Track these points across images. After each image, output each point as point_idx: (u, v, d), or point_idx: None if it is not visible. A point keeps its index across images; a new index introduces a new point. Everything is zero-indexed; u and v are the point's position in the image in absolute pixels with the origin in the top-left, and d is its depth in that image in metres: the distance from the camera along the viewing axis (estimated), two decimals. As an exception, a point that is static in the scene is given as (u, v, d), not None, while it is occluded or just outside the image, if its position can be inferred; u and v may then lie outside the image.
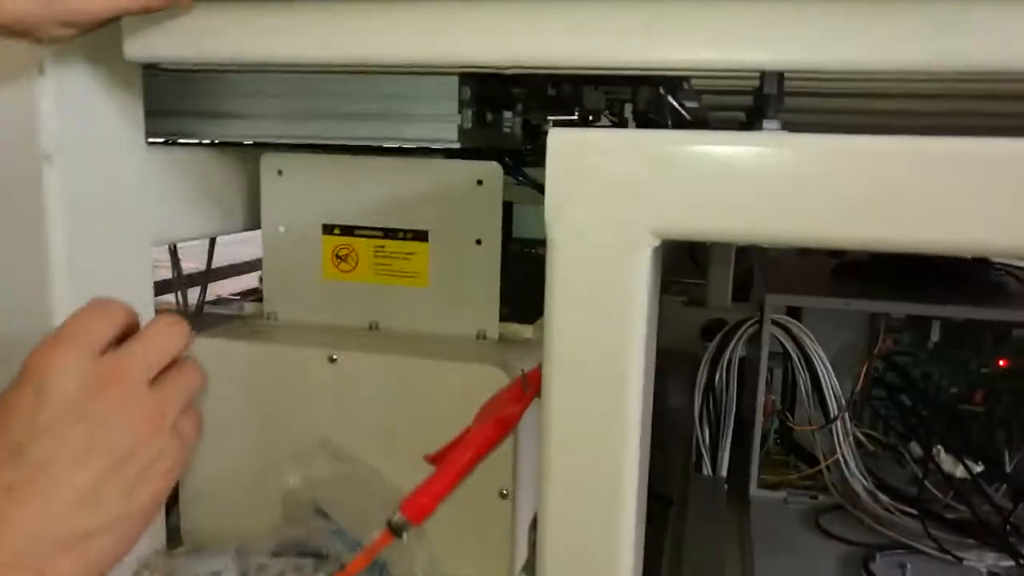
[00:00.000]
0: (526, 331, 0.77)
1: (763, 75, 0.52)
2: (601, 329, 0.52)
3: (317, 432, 0.72)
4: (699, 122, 1.02)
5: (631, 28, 0.52)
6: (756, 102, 0.61)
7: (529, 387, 0.60)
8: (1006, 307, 1.06)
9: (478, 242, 0.75)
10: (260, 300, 0.83)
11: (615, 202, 0.50)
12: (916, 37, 0.50)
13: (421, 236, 0.76)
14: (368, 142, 0.70)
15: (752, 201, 0.49)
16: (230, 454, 0.74)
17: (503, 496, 0.69)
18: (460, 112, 0.69)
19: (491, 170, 0.74)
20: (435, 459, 0.66)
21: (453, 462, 0.59)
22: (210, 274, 1.09)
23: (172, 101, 0.74)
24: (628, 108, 0.93)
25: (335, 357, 0.72)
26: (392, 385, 0.71)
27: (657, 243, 0.51)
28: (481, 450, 0.59)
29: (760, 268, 1.26)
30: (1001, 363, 1.09)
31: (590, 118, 0.92)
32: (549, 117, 0.90)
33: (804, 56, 0.51)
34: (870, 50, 0.50)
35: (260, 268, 0.82)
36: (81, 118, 0.64)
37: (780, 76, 0.52)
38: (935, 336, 1.11)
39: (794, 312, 1.10)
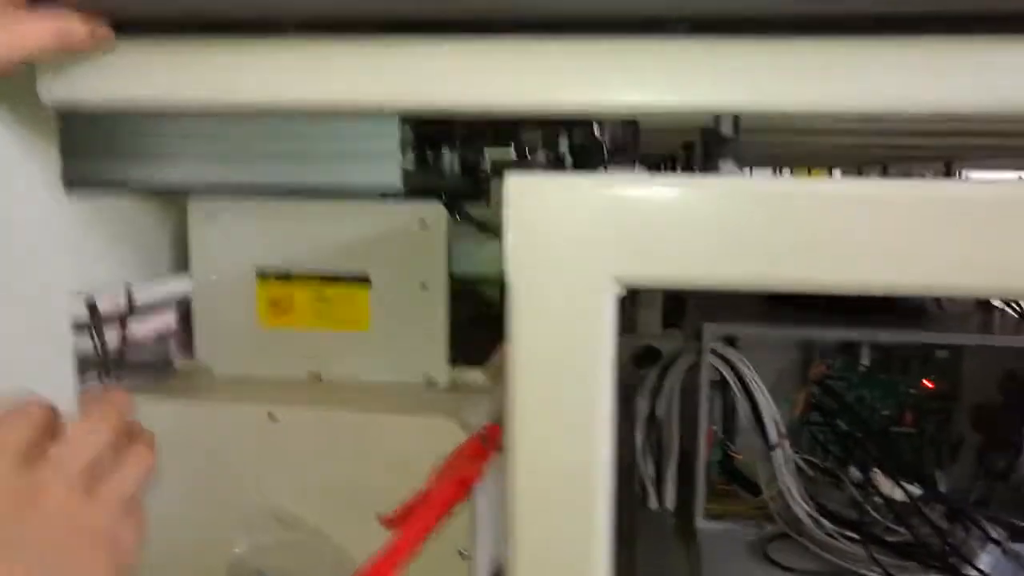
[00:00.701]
0: (475, 375, 0.75)
1: (718, 117, 0.51)
2: (566, 379, 0.50)
3: (261, 496, 0.68)
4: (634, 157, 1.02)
5: (589, 70, 0.51)
6: (706, 140, 0.60)
7: (488, 443, 0.58)
8: (928, 329, 1.09)
9: (423, 286, 0.72)
10: (186, 350, 0.79)
11: (576, 249, 0.49)
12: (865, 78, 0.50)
13: (362, 280, 0.73)
14: (305, 188, 0.67)
15: (721, 246, 0.48)
16: (168, 524, 0.69)
17: (462, 556, 0.66)
18: (402, 154, 0.66)
19: (434, 211, 0.71)
20: (391, 522, 0.63)
21: (412, 527, 0.56)
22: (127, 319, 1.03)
23: (91, 143, 0.70)
24: (563, 143, 0.92)
25: (276, 415, 0.68)
26: (339, 442, 0.67)
27: (620, 290, 0.50)
28: (441, 512, 0.56)
29: (694, 296, 1.27)
30: (927, 384, 1.11)
31: (527, 154, 0.91)
32: (486, 150, 0.88)
33: (762, 97, 0.50)
34: (824, 92, 0.50)
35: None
36: (-7, 168, 0.59)
37: (736, 117, 0.51)
38: (865, 360, 1.13)
39: (728, 340, 1.11)
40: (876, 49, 0.49)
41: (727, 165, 0.51)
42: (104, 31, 0.53)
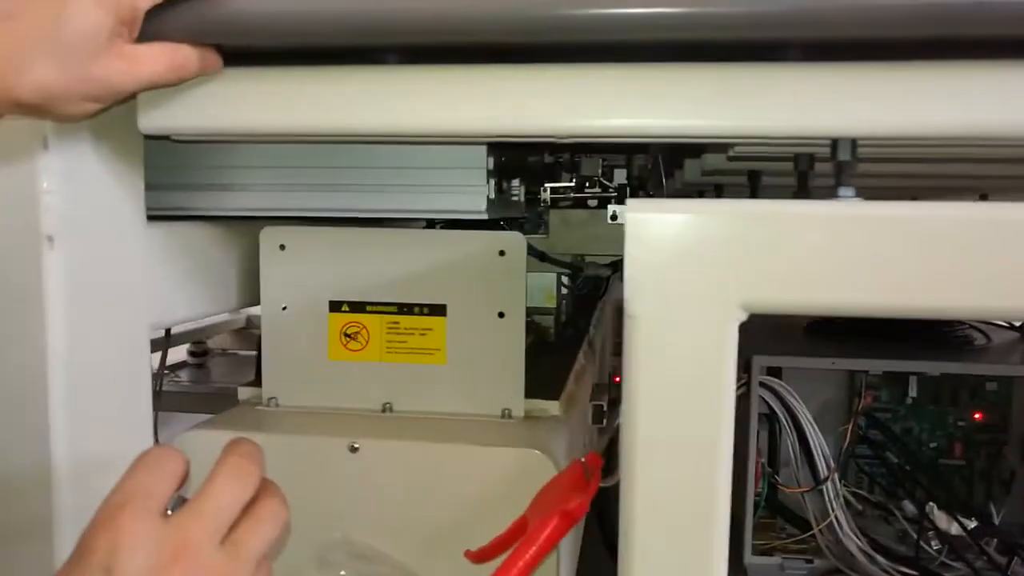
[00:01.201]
0: (552, 407, 0.74)
1: (836, 142, 0.51)
2: (688, 408, 0.49)
3: (339, 529, 0.67)
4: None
5: (702, 96, 0.51)
6: (799, 169, 0.60)
7: (591, 474, 0.57)
8: (978, 361, 1.08)
9: (500, 315, 0.71)
10: (254, 384, 0.77)
11: (701, 276, 0.48)
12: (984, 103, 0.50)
13: (439, 310, 0.72)
14: (393, 215, 0.67)
15: (848, 271, 0.47)
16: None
17: (547, 591, 0.65)
18: (487, 182, 0.66)
19: (514, 240, 0.71)
20: (478, 556, 0.62)
21: (515, 562, 0.54)
22: (167, 347, 1.02)
23: (170, 173, 0.69)
24: (622, 174, 0.92)
25: (357, 446, 0.67)
26: (423, 474, 0.66)
27: (745, 317, 0.49)
28: (546, 547, 0.55)
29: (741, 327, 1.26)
30: (976, 416, 1.11)
31: (586, 184, 0.91)
32: (546, 184, 0.88)
33: (880, 123, 0.50)
34: (945, 116, 0.50)
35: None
36: (84, 196, 0.58)
37: (853, 143, 0.51)
38: (913, 391, 1.12)
39: (773, 372, 1.10)
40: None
41: (846, 192, 0.50)
42: (214, 59, 0.53)
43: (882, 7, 0.45)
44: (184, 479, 0.44)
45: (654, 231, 0.49)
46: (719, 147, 0.62)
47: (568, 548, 0.68)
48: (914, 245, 0.46)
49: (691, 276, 0.48)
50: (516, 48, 0.52)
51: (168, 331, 0.86)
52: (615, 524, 0.53)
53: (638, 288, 0.49)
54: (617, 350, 1.43)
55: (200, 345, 1.98)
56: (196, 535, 0.41)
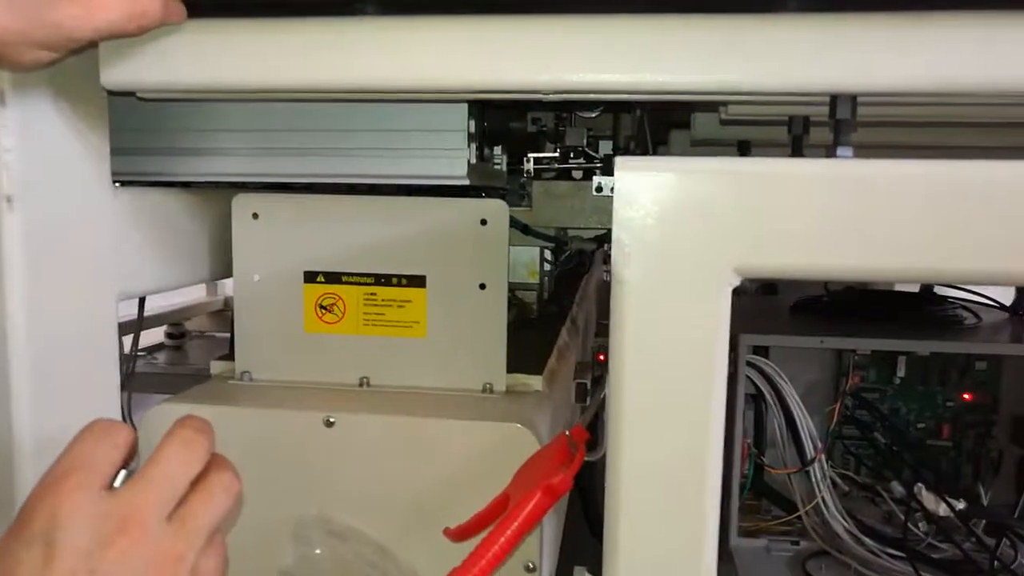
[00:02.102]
0: (535, 382, 0.72)
1: (835, 99, 0.49)
2: (679, 375, 0.47)
3: (314, 506, 0.64)
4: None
5: (696, 50, 0.48)
6: (793, 133, 0.58)
7: (576, 448, 0.55)
8: (967, 340, 1.07)
9: (482, 286, 0.69)
10: (226, 358, 0.75)
11: (695, 238, 0.46)
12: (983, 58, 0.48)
13: (418, 281, 0.69)
14: (369, 180, 0.64)
15: (843, 233, 0.45)
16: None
17: (529, 570, 0.63)
18: (468, 146, 0.63)
19: (496, 208, 0.68)
20: (457, 534, 0.59)
21: (498, 536, 0.52)
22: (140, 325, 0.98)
23: (137, 137, 0.66)
24: (608, 145, 0.90)
25: (332, 420, 0.64)
26: (401, 450, 0.63)
27: (739, 281, 0.47)
28: (528, 523, 0.52)
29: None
30: (966, 397, 1.09)
31: (570, 155, 0.89)
32: (529, 155, 0.85)
33: (882, 77, 0.48)
34: (942, 72, 0.48)
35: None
36: (46, 156, 0.55)
37: (853, 99, 0.49)
38: (901, 371, 1.11)
39: (759, 352, 1.08)
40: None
41: (844, 152, 0.48)
42: (177, 8, 0.50)
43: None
44: (132, 452, 0.42)
45: (644, 190, 0.46)
46: (711, 106, 0.59)
47: (551, 525, 0.66)
48: (917, 205, 0.44)
49: (683, 238, 0.46)
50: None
51: (141, 309, 0.83)
52: (599, 502, 0.51)
53: (627, 251, 0.47)
54: (601, 329, 1.41)
55: (178, 327, 1.95)
56: (142, 508, 0.39)
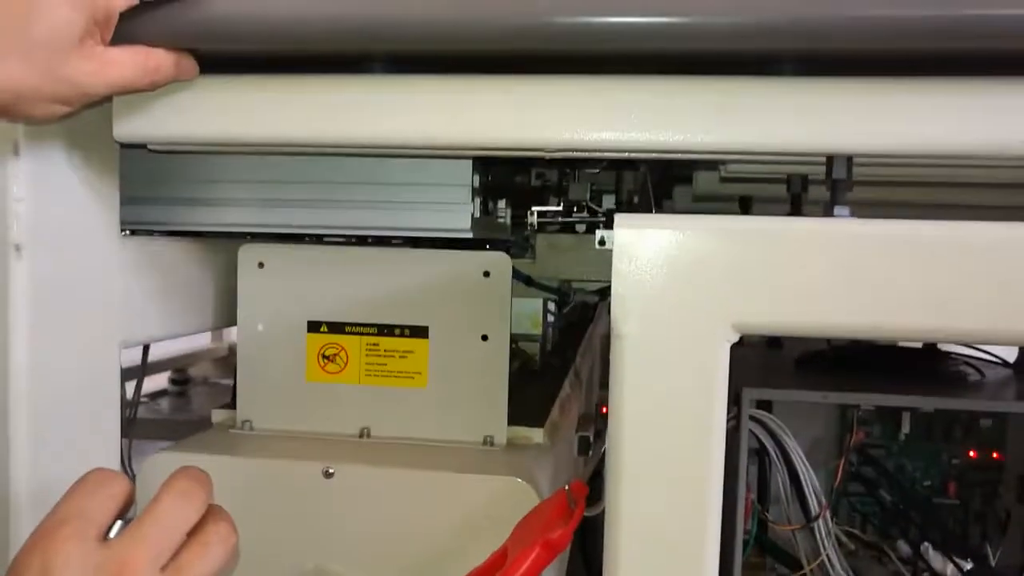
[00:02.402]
0: (536, 435, 0.71)
1: (831, 159, 0.50)
2: (678, 432, 0.47)
3: (312, 558, 0.64)
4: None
5: (696, 110, 0.49)
6: (791, 191, 0.59)
7: (576, 503, 0.54)
8: (972, 397, 1.06)
9: (484, 338, 0.69)
10: (228, 407, 0.75)
11: (693, 295, 0.46)
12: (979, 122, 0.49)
13: (420, 332, 0.70)
14: (374, 232, 0.65)
15: (841, 291, 0.45)
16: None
17: (527, 624, 0.62)
18: (472, 200, 0.64)
19: (499, 261, 0.69)
20: (457, 586, 0.59)
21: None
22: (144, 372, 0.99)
23: (147, 187, 0.67)
24: (611, 199, 0.91)
25: (331, 471, 0.64)
26: (399, 502, 0.63)
27: (737, 338, 0.47)
28: (529, 578, 0.52)
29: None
30: (971, 454, 1.09)
31: (574, 209, 0.90)
32: (533, 208, 0.86)
33: (876, 140, 0.49)
34: (941, 134, 0.49)
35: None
36: (56, 205, 0.56)
37: (849, 160, 0.50)
38: (906, 428, 1.10)
39: (763, 406, 1.08)
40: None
41: (841, 211, 0.49)
42: (189, 64, 0.51)
43: (877, 19, 0.44)
44: (128, 502, 0.42)
45: (643, 247, 0.47)
46: (711, 165, 0.60)
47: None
48: (914, 264, 0.45)
49: (681, 294, 0.46)
50: (504, 59, 0.50)
51: (145, 356, 0.84)
52: (600, 558, 0.51)
53: (626, 306, 0.47)
54: (605, 381, 1.41)
55: (181, 373, 1.95)
56: (136, 559, 0.39)
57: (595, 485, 0.64)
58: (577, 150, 0.52)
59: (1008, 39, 0.43)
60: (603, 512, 0.50)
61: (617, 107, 0.51)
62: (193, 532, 0.42)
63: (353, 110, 0.53)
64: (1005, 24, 0.43)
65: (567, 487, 0.56)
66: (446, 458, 0.66)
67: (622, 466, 0.48)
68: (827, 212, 0.49)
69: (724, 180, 0.62)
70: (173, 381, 1.94)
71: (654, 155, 0.51)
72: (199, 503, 0.42)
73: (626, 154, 0.52)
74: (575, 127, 0.51)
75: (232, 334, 2.38)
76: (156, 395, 1.86)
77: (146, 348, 0.84)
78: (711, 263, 0.46)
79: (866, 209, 0.51)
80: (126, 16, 0.48)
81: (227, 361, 2.08)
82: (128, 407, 0.75)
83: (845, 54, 0.47)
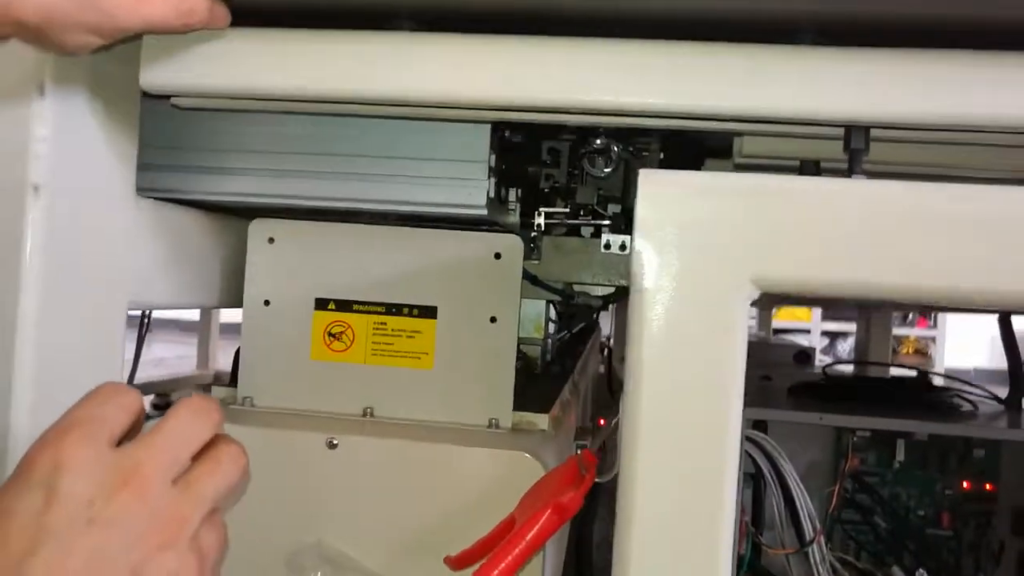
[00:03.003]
0: (541, 421, 0.71)
1: (849, 129, 0.51)
2: (697, 388, 0.47)
3: (313, 531, 0.62)
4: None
5: (734, 77, 0.50)
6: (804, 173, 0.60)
7: (587, 469, 0.54)
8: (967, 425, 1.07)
9: (493, 320, 0.69)
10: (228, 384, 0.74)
11: (715, 249, 0.47)
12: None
13: (429, 312, 0.70)
14: (388, 206, 0.65)
15: (859, 249, 0.46)
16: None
17: (529, 604, 0.61)
18: (488, 178, 0.65)
19: (511, 243, 0.69)
20: (458, 561, 0.58)
21: (503, 555, 0.50)
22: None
23: (160, 153, 0.67)
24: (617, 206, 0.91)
25: (336, 442, 0.63)
26: (405, 476, 0.62)
27: (757, 294, 0.47)
28: (537, 542, 0.51)
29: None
30: (965, 485, 1.08)
31: (580, 212, 0.90)
32: (541, 209, 0.87)
33: (894, 110, 0.50)
34: (954, 103, 0.50)
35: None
36: (76, 151, 0.56)
37: (867, 130, 0.51)
38: (900, 455, 1.10)
39: (758, 427, 1.07)
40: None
41: (859, 179, 0.50)
42: (222, 11, 0.52)
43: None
44: (140, 417, 0.41)
45: (666, 201, 0.47)
46: (724, 154, 0.61)
47: (553, 554, 0.64)
48: (928, 224, 0.45)
49: (703, 249, 0.47)
50: (530, 18, 0.51)
51: (132, 373, 0.83)
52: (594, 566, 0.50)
53: (647, 261, 0.47)
54: (598, 398, 1.40)
55: (164, 398, 1.93)
56: (147, 466, 0.38)
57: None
58: (598, 112, 0.53)
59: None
60: (599, 528, 0.50)
61: (638, 70, 0.51)
62: (204, 451, 0.41)
63: (379, 65, 0.53)
64: None
65: (578, 452, 0.56)
66: (452, 435, 0.65)
67: (639, 423, 0.47)
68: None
69: (738, 167, 0.62)
70: (155, 406, 1.92)
71: (674, 121, 0.52)
72: (212, 422, 0.42)
73: (647, 118, 0.53)
74: (597, 88, 0.52)
75: (219, 361, 2.36)
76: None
77: (131, 374, 0.83)
78: (732, 219, 0.46)
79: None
80: (164, -44, 0.48)
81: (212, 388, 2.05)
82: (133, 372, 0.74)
83: (864, 22, 0.48)
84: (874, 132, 0.51)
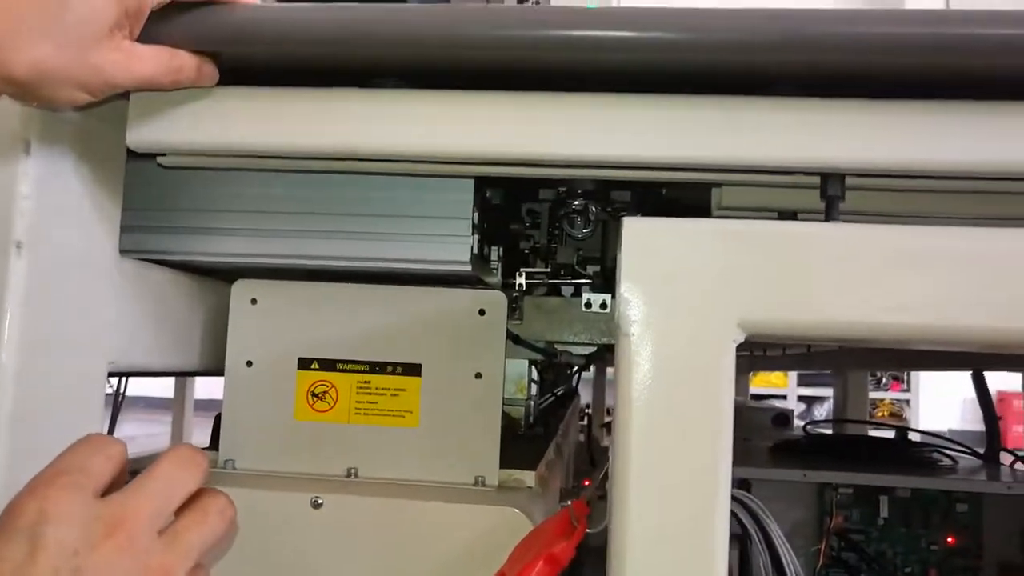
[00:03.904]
0: (528, 478, 0.70)
1: (825, 177, 0.52)
2: (684, 434, 0.47)
3: (297, 592, 0.61)
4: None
5: (712, 127, 0.52)
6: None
7: (578, 520, 0.53)
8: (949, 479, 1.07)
9: (478, 375, 0.69)
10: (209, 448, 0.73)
11: (700, 294, 0.47)
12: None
13: (413, 370, 0.69)
14: (372, 263, 0.65)
15: (844, 291, 0.47)
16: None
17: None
18: (472, 235, 0.65)
19: (495, 299, 0.69)
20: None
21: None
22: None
23: (143, 215, 0.67)
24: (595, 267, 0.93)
25: (320, 501, 0.62)
26: (391, 534, 0.61)
27: (743, 338, 0.48)
28: (531, 595, 0.50)
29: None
30: (949, 540, 1.08)
31: (561, 272, 0.91)
32: (522, 270, 0.88)
33: (869, 157, 0.51)
34: (926, 151, 0.51)
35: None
36: (60, 210, 0.56)
37: (842, 178, 0.52)
38: (884, 512, 1.10)
39: (742, 486, 1.07)
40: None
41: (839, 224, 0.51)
42: (210, 70, 0.53)
43: (871, 36, 0.47)
44: (124, 468, 0.42)
45: (650, 248, 0.48)
46: (703, 208, 0.62)
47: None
48: (911, 266, 0.46)
49: (688, 293, 0.47)
50: (510, 75, 0.53)
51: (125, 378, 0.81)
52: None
53: (632, 305, 0.48)
54: (581, 460, 1.39)
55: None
56: (133, 516, 0.38)
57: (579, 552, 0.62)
58: (579, 164, 0.54)
59: (993, 58, 0.46)
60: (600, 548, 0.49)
61: (618, 123, 0.53)
62: (190, 503, 0.40)
63: (365, 121, 0.54)
64: (991, 44, 0.46)
65: (569, 503, 0.55)
66: (438, 493, 0.65)
67: (629, 469, 0.47)
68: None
69: (716, 218, 0.63)
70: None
71: (656, 173, 0.53)
72: (198, 473, 0.41)
73: (627, 170, 0.54)
74: (577, 141, 0.53)
75: (194, 436, 2.32)
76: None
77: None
78: (716, 262, 0.47)
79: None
80: (154, 16, 0.50)
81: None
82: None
83: (833, 74, 0.50)
84: (849, 180, 0.52)
